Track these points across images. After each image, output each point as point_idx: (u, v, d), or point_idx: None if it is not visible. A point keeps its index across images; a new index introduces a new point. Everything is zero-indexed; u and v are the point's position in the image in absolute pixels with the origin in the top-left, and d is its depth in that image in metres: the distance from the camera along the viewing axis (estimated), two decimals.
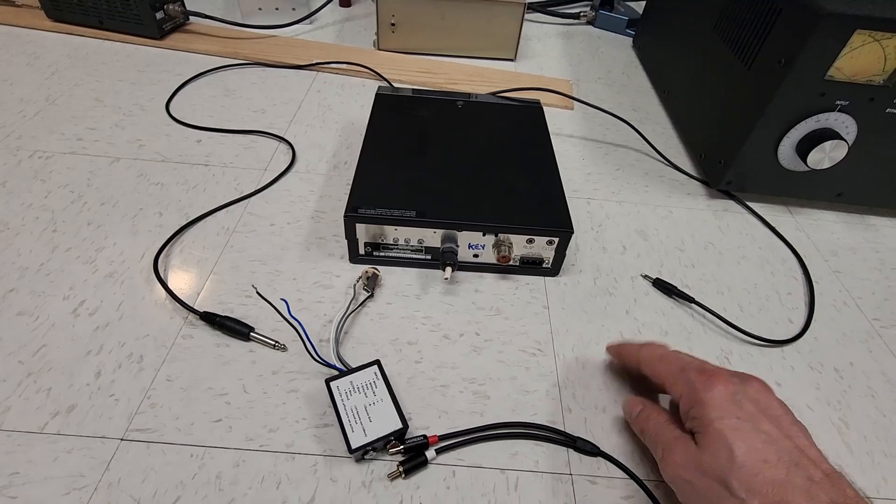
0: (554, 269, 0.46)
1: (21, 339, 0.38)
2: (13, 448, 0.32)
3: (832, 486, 0.24)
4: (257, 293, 0.42)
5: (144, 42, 0.76)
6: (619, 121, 0.68)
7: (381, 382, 0.35)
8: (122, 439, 0.33)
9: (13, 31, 0.76)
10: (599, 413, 0.37)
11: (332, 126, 0.63)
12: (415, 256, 0.46)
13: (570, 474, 0.34)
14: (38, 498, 0.30)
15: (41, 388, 0.35)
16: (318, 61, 0.74)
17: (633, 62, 0.86)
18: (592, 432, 0.36)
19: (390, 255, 0.45)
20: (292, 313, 0.39)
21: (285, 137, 0.60)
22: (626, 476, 0.34)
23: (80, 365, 0.37)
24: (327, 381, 0.35)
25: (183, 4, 0.78)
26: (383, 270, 0.45)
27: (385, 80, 0.72)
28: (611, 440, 0.36)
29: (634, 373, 0.36)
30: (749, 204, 0.57)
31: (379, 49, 0.80)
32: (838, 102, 0.48)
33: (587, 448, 0.35)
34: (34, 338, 0.38)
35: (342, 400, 0.34)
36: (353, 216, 0.42)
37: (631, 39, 0.92)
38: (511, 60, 0.82)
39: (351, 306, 0.41)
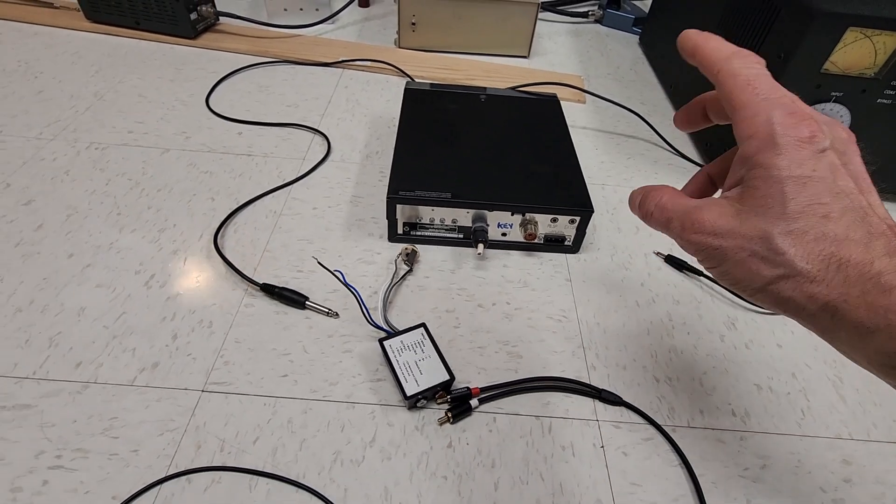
0: (575, 247, 0.51)
1: (102, 307, 0.42)
2: (109, 398, 0.37)
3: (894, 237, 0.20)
4: (318, 263, 0.46)
5: (179, 41, 0.80)
6: (629, 113, 0.72)
7: (427, 342, 0.40)
8: (202, 391, 0.38)
9: (53, 32, 0.80)
10: (620, 370, 0.42)
11: (361, 119, 0.68)
12: (448, 235, 0.50)
13: (597, 420, 0.38)
14: (136, 438, 0.35)
15: (126, 348, 0.40)
16: (345, 59, 0.78)
17: (641, 59, 0.90)
18: (614, 386, 0.41)
19: (426, 234, 0.50)
20: (348, 282, 0.44)
21: (320, 129, 0.65)
22: (646, 422, 0.38)
23: (158, 329, 0.41)
24: (381, 341, 0.39)
25: (214, 5, 0.82)
26: (419, 248, 0.50)
27: (408, 76, 0.77)
28: (631, 392, 0.40)
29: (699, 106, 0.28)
30: None
31: (400, 47, 0.85)
32: (833, 94, 0.52)
33: (611, 398, 0.39)
34: (114, 306, 0.42)
35: (395, 356, 0.38)
36: (394, 198, 0.47)
37: (637, 37, 0.96)
38: (524, 57, 0.86)
39: (394, 279, 0.46)
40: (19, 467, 0.33)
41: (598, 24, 1.01)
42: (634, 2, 1.03)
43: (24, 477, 0.32)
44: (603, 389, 0.40)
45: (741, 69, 0.23)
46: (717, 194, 0.24)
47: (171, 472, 0.33)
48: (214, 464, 0.34)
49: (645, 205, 0.25)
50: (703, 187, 0.28)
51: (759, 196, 0.21)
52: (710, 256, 0.22)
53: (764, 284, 0.21)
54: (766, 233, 0.20)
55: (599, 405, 0.39)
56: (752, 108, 0.22)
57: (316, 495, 0.33)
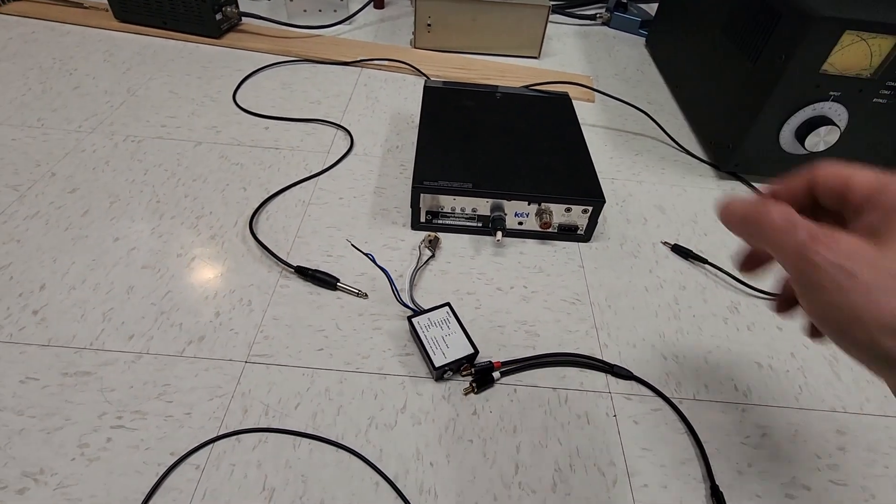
0: (587, 236, 0.54)
1: (149, 286, 0.46)
2: (161, 367, 0.40)
3: None
4: (352, 245, 0.49)
5: (204, 41, 0.83)
6: (636, 111, 0.76)
7: (452, 319, 0.43)
8: (246, 362, 0.41)
9: (84, 31, 0.84)
10: (630, 348, 0.45)
11: (381, 115, 0.71)
12: (468, 224, 0.53)
13: (610, 392, 0.41)
14: (188, 402, 0.38)
15: (174, 323, 0.43)
16: (363, 58, 0.81)
17: (647, 60, 0.93)
18: (625, 362, 0.44)
19: (447, 222, 0.53)
20: (379, 264, 0.47)
21: (342, 125, 0.68)
22: (655, 395, 0.42)
23: (202, 307, 0.44)
24: (409, 318, 0.42)
25: (237, 6, 0.85)
26: (440, 236, 0.53)
27: (424, 75, 0.80)
28: (641, 368, 0.43)
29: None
30: (754, 185, 0.65)
31: (415, 47, 0.88)
32: (831, 93, 0.55)
33: (623, 373, 0.42)
34: (160, 286, 0.46)
35: (423, 332, 0.41)
36: (419, 187, 0.50)
37: (644, 39, 0.99)
38: (535, 58, 0.90)
39: (418, 263, 0.49)
40: (85, 426, 0.36)
41: (606, 27, 1.04)
42: (641, 5, 1.06)
43: (89, 434, 0.35)
44: (615, 365, 0.43)
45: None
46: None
47: (223, 432, 0.36)
48: (261, 426, 0.37)
49: (758, 214, 0.21)
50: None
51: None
52: (832, 278, 0.19)
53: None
54: None
55: (612, 379, 0.42)
56: (870, 181, 0.21)
57: (354, 454, 0.36)
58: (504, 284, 0.49)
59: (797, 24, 0.52)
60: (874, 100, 0.55)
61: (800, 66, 0.53)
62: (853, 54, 0.52)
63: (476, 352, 0.41)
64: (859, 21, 0.50)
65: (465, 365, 0.41)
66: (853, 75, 0.54)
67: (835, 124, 0.56)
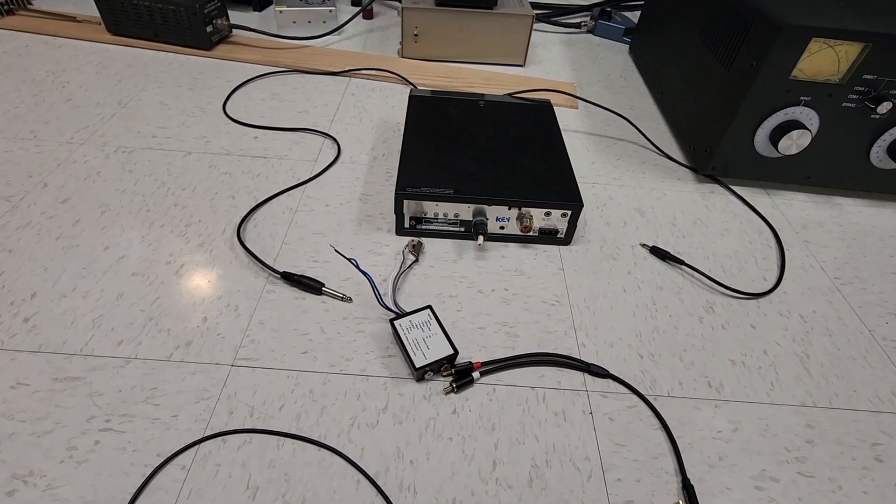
0: (567, 239, 0.55)
1: (139, 293, 0.47)
2: (149, 371, 0.41)
3: None
4: (335, 251, 0.51)
5: (195, 52, 0.85)
6: (618, 117, 0.77)
7: (433, 321, 0.44)
8: (232, 365, 0.42)
9: (77, 44, 0.85)
10: (608, 348, 0.46)
11: (367, 124, 0.72)
12: (451, 229, 0.54)
13: (587, 391, 0.43)
14: (176, 404, 0.39)
15: (162, 328, 0.44)
16: (351, 68, 0.83)
17: (630, 67, 0.95)
18: (602, 361, 0.45)
19: (430, 227, 0.54)
20: (361, 268, 0.48)
21: (330, 133, 0.69)
22: (630, 392, 0.43)
23: (190, 312, 0.45)
24: (392, 321, 0.44)
25: (228, 18, 0.87)
26: (424, 241, 0.54)
27: (410, 83, 0.81)
28: (617, 366, 0.44)
29: None
30: (732, 187, 0.67)
31: (403, 57, 0.90)
32: (802, 98, 0.57)
33: (599, 372, 0.44)
34: (149, 292, 0.47)
35: (405, 333, 0.43)
36: (402, 193, 0.51)
37: (627, 46, 1.01)
38: (520, 66, 0.92)
39: (401, 268, 0.50)
40: (74, 429, 0.37)
41: (591, 35, 1.06)
42: (624, 13, 1.08)
43: (78, 437, 0.36)
44: (592, 364, 0.44)
45: None
46: None
47: (208, 433, 0.37)
48: (246, 427, 0.38)
49: None
50: None
51: None
52: None
53: None
54: None
55: (588, 378, 0.44)
56: None
57: (336, 453, 0.37)
58: (485, 287, 0.50)
59: (766, 32, 0.54)
60: (843, 104, 0.57)
61: (770, 73, 0.55)
62: (821, 61, 0.54)
63: (455, 352, 0.42)
64: (826, 29, 0.52)
65: (445, 365, 0.42)
66: (822, 81, 0.56)
67: (806, 128, 0.58)
